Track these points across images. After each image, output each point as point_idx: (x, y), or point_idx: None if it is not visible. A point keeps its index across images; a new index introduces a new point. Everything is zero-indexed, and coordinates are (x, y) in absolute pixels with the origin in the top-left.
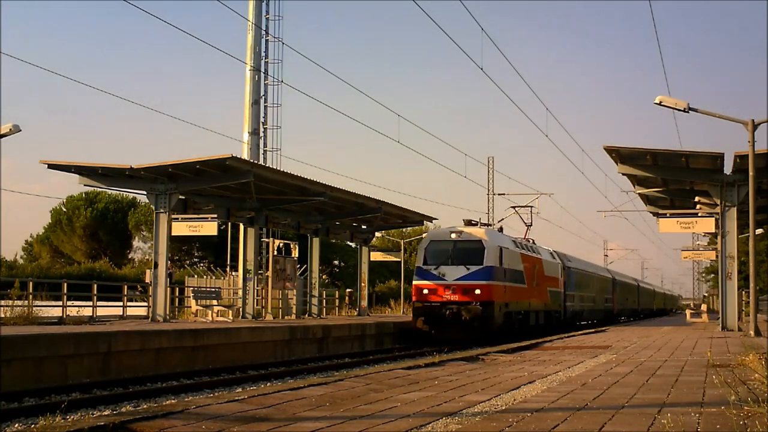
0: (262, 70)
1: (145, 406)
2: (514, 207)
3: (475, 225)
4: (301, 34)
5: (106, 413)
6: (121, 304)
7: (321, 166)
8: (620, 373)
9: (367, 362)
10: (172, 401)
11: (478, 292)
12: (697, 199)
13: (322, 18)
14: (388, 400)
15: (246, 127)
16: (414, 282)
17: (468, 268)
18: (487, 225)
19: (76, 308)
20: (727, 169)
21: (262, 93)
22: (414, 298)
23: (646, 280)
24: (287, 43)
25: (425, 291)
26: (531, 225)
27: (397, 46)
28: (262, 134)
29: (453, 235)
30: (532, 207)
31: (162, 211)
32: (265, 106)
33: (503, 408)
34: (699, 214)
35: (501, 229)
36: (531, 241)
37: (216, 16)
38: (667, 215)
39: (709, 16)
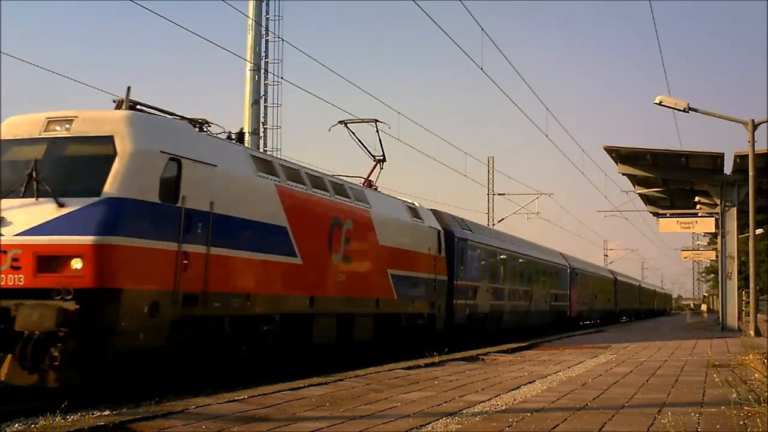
0: (262, 69)
1: (145, 407)
2: (343, 122)
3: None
4: (302, 34)
5: (106, 413)
6: None
7: (321, 166)
8: (620, 373)
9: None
10: (173, 401)
11: (77, 265)
12: (697, 199)
13: (322, 18)
14: (388, 400)
15: (246, 127)
16: None
17: (61, 205)
18: (165, 113)
19: None
20: (727, 169)
21: (262, 93)
22: None
23: (630, 275)
24: (288, 43)
25: None
26: (384, 159)
27: (397, 46)
28: (262, 134)
29: (52, 128)
30: (377, 121)
31: None
32: (265, 106)
33: (503, 408)
34: (699, 214)
35: (241, 138)
36: (370, 184)
37: (216, 16)
38: (667, 215)
39: (709, 16)
